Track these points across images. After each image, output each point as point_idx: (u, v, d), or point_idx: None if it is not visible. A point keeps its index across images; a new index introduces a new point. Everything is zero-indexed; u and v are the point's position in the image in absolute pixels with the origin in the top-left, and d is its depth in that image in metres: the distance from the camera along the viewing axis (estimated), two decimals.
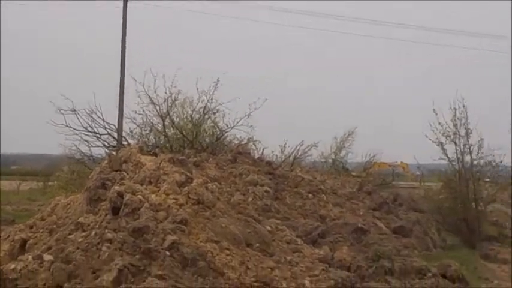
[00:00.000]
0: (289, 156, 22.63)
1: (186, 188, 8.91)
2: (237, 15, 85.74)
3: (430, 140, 19.74)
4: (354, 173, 23.01)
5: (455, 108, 19.60)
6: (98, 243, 7.74)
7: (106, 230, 7.97)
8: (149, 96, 19.75)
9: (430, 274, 9.94)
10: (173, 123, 20.31)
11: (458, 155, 19.76)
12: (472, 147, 19.73)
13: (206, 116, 20.49)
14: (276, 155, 22.95)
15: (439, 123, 19.66)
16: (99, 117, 19.07)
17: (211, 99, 20.06)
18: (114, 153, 13.42)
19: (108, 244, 7.66)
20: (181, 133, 19.65)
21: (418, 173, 33.99)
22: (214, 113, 20.40)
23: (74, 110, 18.97)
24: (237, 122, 19.95)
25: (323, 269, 8.52)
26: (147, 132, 20.80)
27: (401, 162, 50.72)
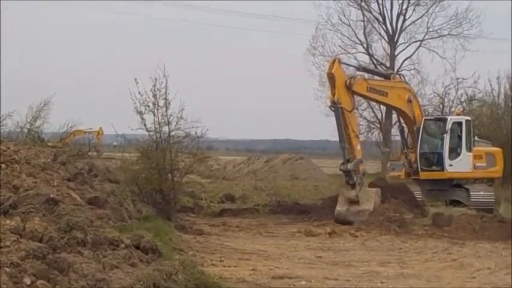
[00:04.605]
0: None
1: None
2: None
3: (135, 109, 20.68)
4: (50, 143, 23.13)
5: (155, 79, 20.64)
6: None
7: None
8: None
9: (123, 245, 10.59)
10: None
11: (156, 126, 20.86)
12: (170, 118, 20.93)
13: None
14: None
15: (139, 93, 20.60)
16: None
17: None
18: None
19: None
20: None
21: (115, 143, 34.84)
22: None
23: None
24: None
25: (14, 240, 8.82)
26: None
27: (100, 128, 51.19)
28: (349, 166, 22.48)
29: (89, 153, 26.40)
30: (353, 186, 22.49)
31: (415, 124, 25.50)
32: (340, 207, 22.67)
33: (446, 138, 25.30)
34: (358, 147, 23.68)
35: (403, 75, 29.48)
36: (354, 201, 22.42)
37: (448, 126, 25.36)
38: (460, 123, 25.71)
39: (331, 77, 22.78)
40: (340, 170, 23.22)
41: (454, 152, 25.43)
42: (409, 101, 25.33)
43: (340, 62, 23.80)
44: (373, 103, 43.28)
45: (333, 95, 22.72)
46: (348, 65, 25.82)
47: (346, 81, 22.90)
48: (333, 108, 23.14)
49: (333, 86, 22.75)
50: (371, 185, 24.15)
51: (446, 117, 27.24)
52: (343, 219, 22.23)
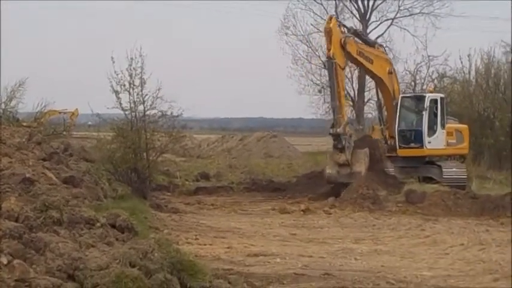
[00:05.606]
0: None
1: None
2: None
3: (112, 88, 20.58)
4: (24, 123, 22.98)
5: (131, 58, 20.55)
6: None
7: None
8: None
9: (99, 224, 10.51)
10: None
11: (132, 105, 20.78)
12: (146, 98, 20.85)
13: None
14: None
15: (115, 72, 20.51)
16: None
17: None
18: None
19: None
20: None
21: (90, 122, 34.69)
22: None
23: None
24: None
25: None
26: None
27: (76, 109, 50.81)
28: (339, 130, 22.47)
29: (64, 133, 26.30)
30: (341, 150, 22.56)
31: (394, 99, 25.60)
32: (331, 170, 22.91)
33: (425, 115, 25.31)
34: (346, 108, 23.79)
35: (383, 47, 29.33)
36: (344, 164, 22.58)
37: (427, 103, 25.39)
38: (436, 101, 25.77)
39: (328, 32, 22.84)
40: (330, 134, 23.18)
41: (431, 129, 25.43)
42: (390, 72, 25.63)
43: (336, 19, 24.15)
44: (346, 80, 43.37)
45: (328, 50, 22.84)
46: (341, 24, 25.70)
47: (341, 39, 23.07)
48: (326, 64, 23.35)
49: (329, 41, 22.79)
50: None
51: (424, 94, 27.18)
52: (335, 181, 22.69)
